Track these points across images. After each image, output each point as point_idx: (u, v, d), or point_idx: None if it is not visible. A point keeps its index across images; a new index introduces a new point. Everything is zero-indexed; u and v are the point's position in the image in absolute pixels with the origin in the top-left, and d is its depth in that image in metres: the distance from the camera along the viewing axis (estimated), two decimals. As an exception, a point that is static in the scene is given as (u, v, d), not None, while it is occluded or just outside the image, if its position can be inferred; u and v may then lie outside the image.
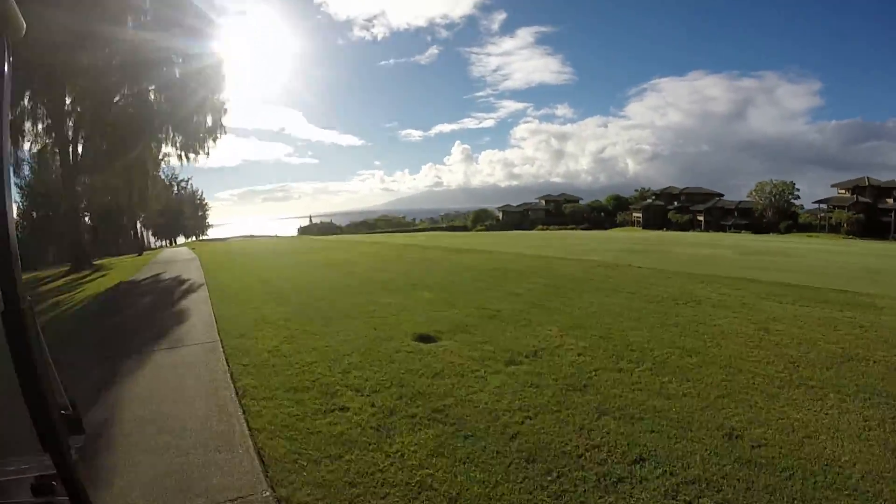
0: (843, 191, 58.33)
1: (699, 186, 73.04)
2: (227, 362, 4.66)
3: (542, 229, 61.75)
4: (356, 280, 9.94)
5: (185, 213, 57.68)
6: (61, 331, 7.10)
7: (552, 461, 2.76)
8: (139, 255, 30.14)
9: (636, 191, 79.02)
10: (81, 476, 0.81)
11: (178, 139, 21.54)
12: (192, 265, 16.31)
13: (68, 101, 17.89)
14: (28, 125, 17.17)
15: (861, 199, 54.93)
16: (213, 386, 4.08)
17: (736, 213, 63.53)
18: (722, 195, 69.14)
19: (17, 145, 17.48)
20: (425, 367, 4.33)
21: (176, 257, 22.10)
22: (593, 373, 4.13)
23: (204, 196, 65.12)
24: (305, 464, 2.78)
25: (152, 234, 57.14)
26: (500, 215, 77.09)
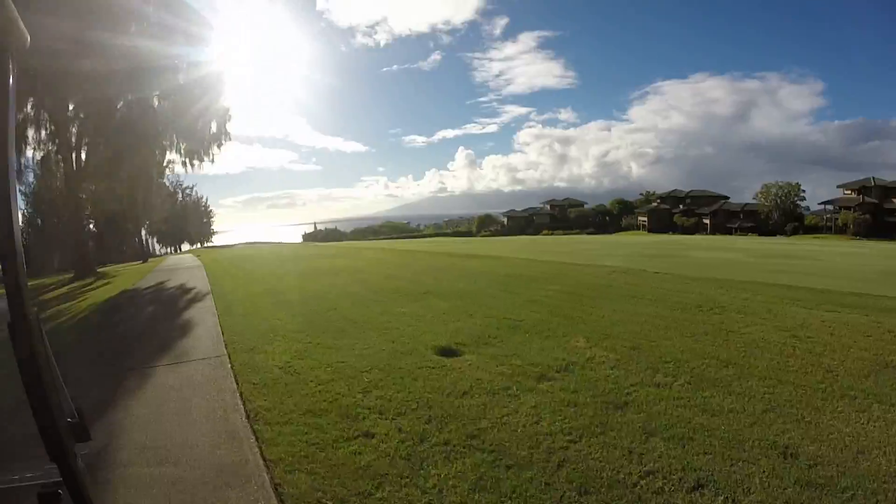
0: (849, 191, 57.98)
1: (704, 189, 72.70)
2: (236, 380, 4.30)
3: (547, 234, 61.45)
4: (366, 288, 9.61)
5: (190, 220, 57.68)
6: (60, 342, 6.77)
7: (607, 492, 2.48)
8: (143, 262, 30.00)
9: (641, 194, 78.71)
10: (87, 484, 0.81)
11: (183, 145, 21.43)
12: (197, 273, 16.05)
13: (71, 107, 17.74)
14: (31, 132, 17.03)
15: (867, 199, 54.53)
16: (222, 407, 3.72)
17: (742, 216, 63.25)
18: (727, 198, 68.78)
19: (20, 152, 17.32)
20: (452, 384, 3.97)
21: (180, 265, 21.88)
22: (631, 388, 3.85)
23: (208, 203, 65.21)
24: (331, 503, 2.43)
25: (157, 241, 57.20)
26: (505, 220, 76.92)
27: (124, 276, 18.43)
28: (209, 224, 65.32)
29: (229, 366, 4.80)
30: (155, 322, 7.86)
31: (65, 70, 14.63)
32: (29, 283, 0.76)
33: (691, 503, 2.38)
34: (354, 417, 3.37)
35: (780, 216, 60.22)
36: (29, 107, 16.25)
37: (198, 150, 21.87)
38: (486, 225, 75.57)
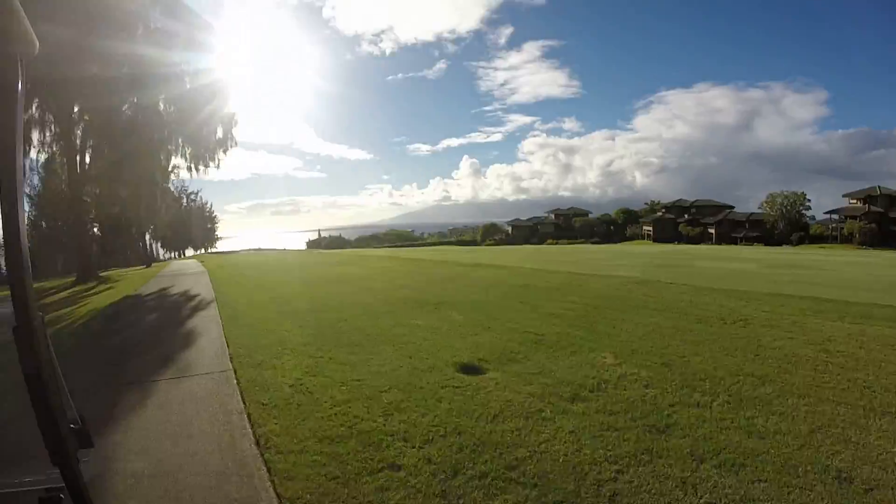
0: (855, 200, 57.76)
1: (709, 199, 72.53)
2: (243, 399, 3.95)
3: (552, 243, 61.14)
4: (375, 298, 9.28)
5: (194, 226, 57.67)
6: (56, 351, 6.37)
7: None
8: (147, 266, 29.80)
9: (646, 204, 78.49)
10: (88, 489, 0.82)
11: (188, 150, 21.34)
12: (201, 279, 15.77)
13: (76, 108, 17.61)
14: (36, 133, 16.89)
15: (873, 208, 54.26)
16: (229, 431, 3.38)
17: (747, 225, 62.93)
18: (732, 207, 68.50)
19: (24, 153, 17.16)
20: (480, 406, 3.63)
21: (184, 270, 21.63)
22: (670, 409, 3.60)
23: (213, 208, 65.27)
24: (357, 555, 2.09)
25: (161, 246, 57.12)
26: (510, 229, 76.73)
27: (127, 281, 18.17)
28: (213, 229, 65.34)
29: (235, 382, 4.45)
30: (156, 331, 7.54)
31: (70, 75, 14.53)
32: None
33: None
34: (377, 445, 3.02)
35: (786, 226, 59.91)
36: (34, 108, 16.11)
37: (203, 156, 21.78)
38: (490, 234, 75.35)
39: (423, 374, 4.43)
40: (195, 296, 11.58)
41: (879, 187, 56.12)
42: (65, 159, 18.44)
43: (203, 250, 60.45)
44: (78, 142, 18.29)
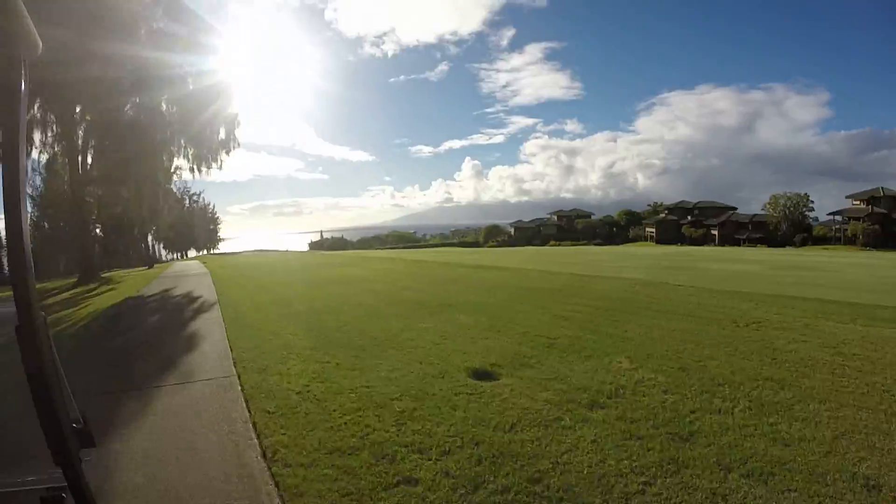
0: (858, 202, 57.60)
1: (712, 200, 72.39)
2: (248, 407, 3.79)
3: (555, 245, 61.01)
4: (380, 300, 9.13)
5: (197, 227, 57.68)
6: (57, 355, 6.31)
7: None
8: (149, 267, 29.71)
9: (649, 205, 78.35)
10: (91, 489, 0.82)
11: (191, 151, 21.26)
12: (204, 280, 15.65)
13: (78, 110, 17.53)
14: (38, 134, 16.80)
15: (876, 209, 54.04)
16: (233, 442, 3.21)
17: (750, 227, 62.76)
18: (735, 209, 68.35)
19: (27, 154, 17.09)
20: (497, 414, 3.47)
21: (187, 271, 21.52)
22: (692, 416, 3.48)
23: (215, 209, 65.25)
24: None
25: (163, 247, 57.11)
26: (512, 231, 76.66)
27: (129, 282, 18.06)
28: (216, 231, 65.29)
29: (239, 388, 4.29)
30: (158, 334, 7.39)
31: (72, 77, 14.45)
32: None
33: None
34: (391, 458, 2.86)
35: (789, 227, 59.77)
36: (36, 108, 16.03)
37: (206, 157, 21.71)
38: (493, 235, 75.25)
39: (435, 380, 4.27)
40: (197, 297, 11.46)
41: (883, 188, 55.93)
42: (67, 160, 18.36)
43: (205, 251, 60.42)
44: (80, 142, 18.23)
